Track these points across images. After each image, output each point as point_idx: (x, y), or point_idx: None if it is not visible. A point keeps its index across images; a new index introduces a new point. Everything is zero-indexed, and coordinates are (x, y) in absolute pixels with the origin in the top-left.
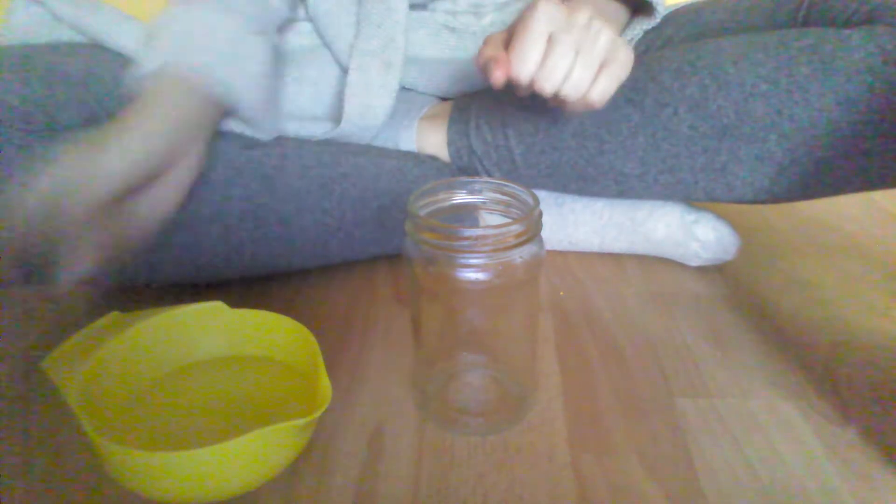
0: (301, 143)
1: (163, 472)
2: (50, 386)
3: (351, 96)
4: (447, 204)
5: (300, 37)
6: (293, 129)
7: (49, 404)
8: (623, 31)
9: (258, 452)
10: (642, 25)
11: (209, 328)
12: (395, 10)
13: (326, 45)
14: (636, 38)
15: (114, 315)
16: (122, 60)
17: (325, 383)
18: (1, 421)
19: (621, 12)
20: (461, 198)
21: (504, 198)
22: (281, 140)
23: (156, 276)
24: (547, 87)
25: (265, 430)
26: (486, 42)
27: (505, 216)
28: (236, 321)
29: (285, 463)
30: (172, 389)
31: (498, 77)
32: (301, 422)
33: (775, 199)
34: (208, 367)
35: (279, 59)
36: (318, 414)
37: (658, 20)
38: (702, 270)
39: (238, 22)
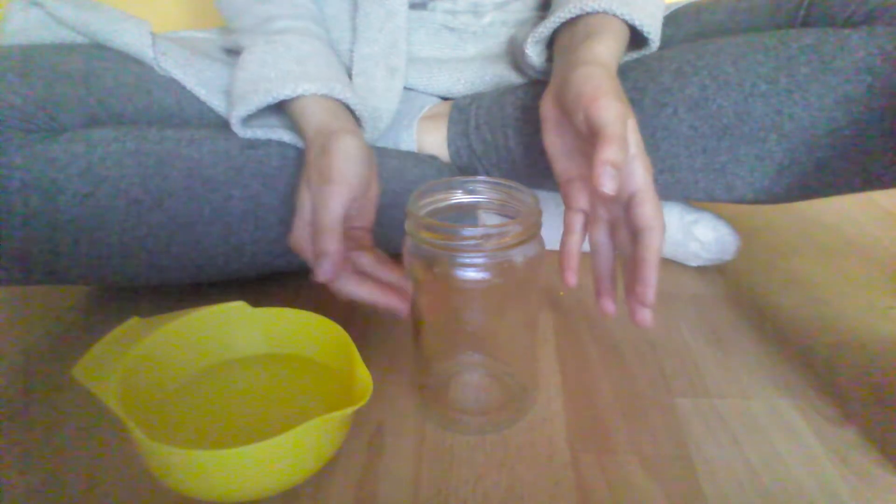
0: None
1: (215, 469)
2: (50, 386)
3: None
4: (447, 204)
5: None
6: (285, 135)
7: (49, 404)
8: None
9: (306, 445)
10: (634, 54)
11: (240, 327)
12: (395, 13)
13: (333, 47)
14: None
15: (134, 320)
16: (123, 59)
17: (364, 376)
18: (1, 421)
19: (626, 37)
20: (461, 197)
21: (504, 197)
22: (283, 141)
23: (156, 277)
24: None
25: (313, 422)
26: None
27: (505, 216)
28: (268, 319)
29: (330, 456)
30: (207, 388)
31: (609, 187)
32: (348, 411)
33: (775, 199)
34: (242, 365)
35: None
36: (362, 403)
37: (651, 51)
38: (702, 270)
39: (320, 43)
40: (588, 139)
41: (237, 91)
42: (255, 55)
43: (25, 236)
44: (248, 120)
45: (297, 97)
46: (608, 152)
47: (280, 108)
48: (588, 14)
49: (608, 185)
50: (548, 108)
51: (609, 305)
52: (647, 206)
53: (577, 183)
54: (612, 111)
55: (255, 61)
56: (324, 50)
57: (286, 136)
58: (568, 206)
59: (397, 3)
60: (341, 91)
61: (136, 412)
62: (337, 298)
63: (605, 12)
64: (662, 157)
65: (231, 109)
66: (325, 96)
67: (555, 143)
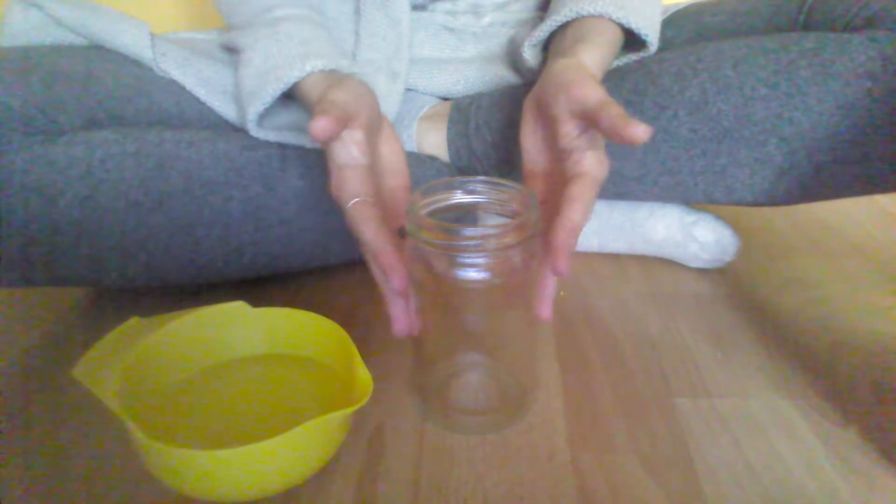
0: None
1: (215, 469)
2: (50, 386)
3: None
4: (447, 204)
5: None
6: (296, 137)
7: (49, 404)
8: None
9: (306, 445)
10: (634, 56)
11: (240, 327)
12: (398, 21)
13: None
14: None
15: (134, 320)
16: (122, 61)
17: (364, 376)
18: (1, 421)
19: (619, 41)
20: (461, 197)
21: (504, 197)
22: (283, 143)
23: (156, 278)
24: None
25: (313, 422)
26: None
27: (505, 216)
28: (268, 319)
29: (330, 456)
30: (207, 388)
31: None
32: (348, 411)
33: (774, 202)
34: (242, 365)
35: None
36: (362, 403)
37: (650, 53)
38: (702, 271)
39: (320, 28)
40: (555, 128)
41: (247, 89)
42: (256, 52)
43: (25, 238)
44: (261, 120)
45: (306, 77)
46: (616, 108)
47: (290, 102)
48: (584, 17)
49: (643, 132)
50: (530, 104)
51: (546, 312)
52: (578, 186)
53: (540, 177)
54: (596, 89)
55: (259, 56)
56: (324, 33)
57: (296, 140)
58: None
59: (400, 11)
60: (348, 66)
61: (136, 412)
62: (336, 299)
63: (600, 16)
64: (662, 159)
65: (247, 108)
66: (332, 71)
67: (529, 136)
